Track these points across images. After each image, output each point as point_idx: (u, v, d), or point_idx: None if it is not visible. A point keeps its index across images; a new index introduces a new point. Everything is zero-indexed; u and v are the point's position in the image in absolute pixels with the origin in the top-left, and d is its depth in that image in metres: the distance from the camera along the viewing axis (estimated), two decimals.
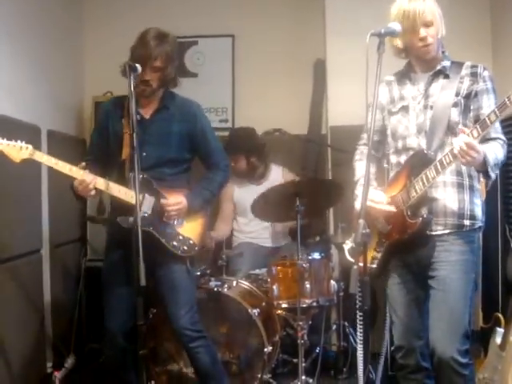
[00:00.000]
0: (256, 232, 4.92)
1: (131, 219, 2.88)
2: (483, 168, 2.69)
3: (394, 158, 3.05)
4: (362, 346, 2.62)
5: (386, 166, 3.26)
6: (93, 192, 3.21)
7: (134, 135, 2.96)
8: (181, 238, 3.43)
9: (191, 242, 3.46)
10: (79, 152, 5.22)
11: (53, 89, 4.82)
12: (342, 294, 4.40)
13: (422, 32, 2.82)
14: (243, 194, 4.83)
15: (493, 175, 2.74)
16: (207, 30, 5.63)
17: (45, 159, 3.14)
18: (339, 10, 5.03)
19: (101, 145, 3.50)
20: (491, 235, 4.03)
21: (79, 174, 3.17)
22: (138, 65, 3.12)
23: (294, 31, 5.56)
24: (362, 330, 2.63)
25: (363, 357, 2.65)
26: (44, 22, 4.69)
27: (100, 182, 3.21)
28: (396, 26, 2.71)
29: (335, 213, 4.95)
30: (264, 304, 4.20)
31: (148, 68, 3.28)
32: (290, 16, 5.59)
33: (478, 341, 3.84)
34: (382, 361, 3.98)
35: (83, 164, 3.21)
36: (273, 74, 5.58)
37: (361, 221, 2.47)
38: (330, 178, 5.10)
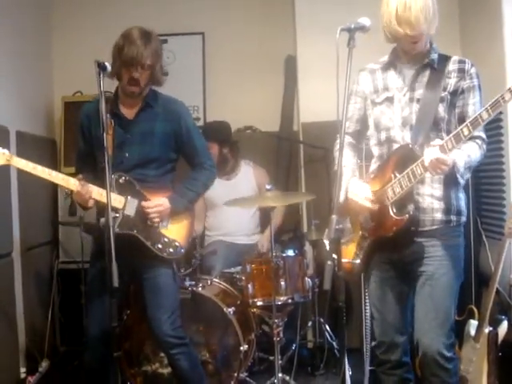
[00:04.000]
0: (228, 228, 4.89)
1: (102, 220, 2.84)
2: (453, 174, 2.72)
3: (376, 150, 3.01)
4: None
5: (358, 161, 3.25)
6: (91, 203, 3.20)
7: (104, 135, 2.91)
8: (166, 240, 3.36)
9: (177, 243, 3.39)
10: (49, 153, 5.19)
11: (21, 89, 4.75)
12: (316, 290, 4.40)
13: (421, 28, 2.72)
14: (212, 188, 4.81)
15: (461, 181, 2.78)
16: (177, 28, 5.59)
17: (22, 165, 3.08)
18: (309, 6, 5.03)
19: (87, 150, 3.42)
20: (464, 228, 4.06)
21: (59, 177, 3.13)
22: (107, 63, 3.06)
23: (264, 28, 5.54)
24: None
25: (340, 352, 2.65)
26: (12, 22, 4.62)
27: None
28: (366, 21, 2.67)
29: (308, 210, 4.95)
30: (239, 302, 4.19)
31: (139, 67, 3.23)
32: (260, 12, 5.58)
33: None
34: (367, 357, 3.97)
35: (80, 176, 3.17)
36: (244, 72, 5.57)
37: (333, 216, 2.46)
38: (303, 174, 5.10)
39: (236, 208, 4.72)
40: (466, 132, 2.56)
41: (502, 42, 3.98)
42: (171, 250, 3.37)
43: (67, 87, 5.37)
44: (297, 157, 5.34)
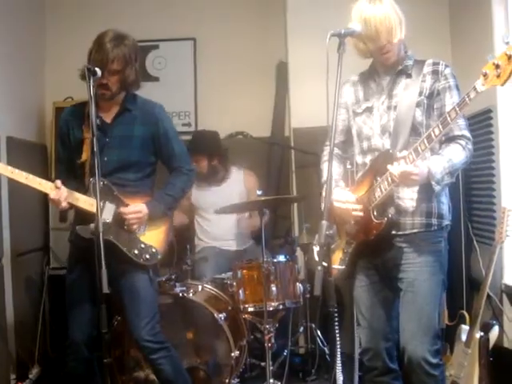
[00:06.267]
0: (218, 234, 4.88)
1: (92, 226, 2.82)
2: (428, 181, 2.71)
3: (359, 159, 3.04)
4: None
5: (349, 167, 3.27)
6: (64, 204, 3.17)
7: (95, 140, 2.91)
8: (142, 246, 3.35)
9: (153, 250, 3.37)
10: (40, 158, 5.17)
11: (13, 95, 4.73)
12: (308, 296, 4.39)
13: (382, 41, 2.78)
14: (202, 195, 4.81)
15: (437, 188, 2.72)
16: (168, 34, 5.60)
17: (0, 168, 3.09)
18: (300, 12, 5.04)
19: (67, 156, 3.42)
20: (455, 233, 4.06)
21: (36, 181, 3.12)
22: (97, 68, 3.07)
23: (255, 33, 5.56)
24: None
25: (331, 358, 2.63)
26: (4, 27, 4.61)
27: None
28: (356, 27, 2.73)
29: (299, 214, 4.94)
30: (230, 308, 4.18)
31: (105, 71, 3.21)
32: (251, 18, 5.59)
33: (444, 338, 3.87)
34: (356, 362, 3.96)
35: (57, 181, 3.14)
36: (235, 77, 5.58)
37: (323, 222, 2.47)
38: (294, 179, 5.10)
39: (227, 214, 4.71)
40: (436, 132, 2.57)
41: (492, 46, 3.98)
42: (147, 256, 3.35)
43: (59, 93, 5.35)
44: (288, 162, 5.33)
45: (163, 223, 3.46)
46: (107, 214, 3.27)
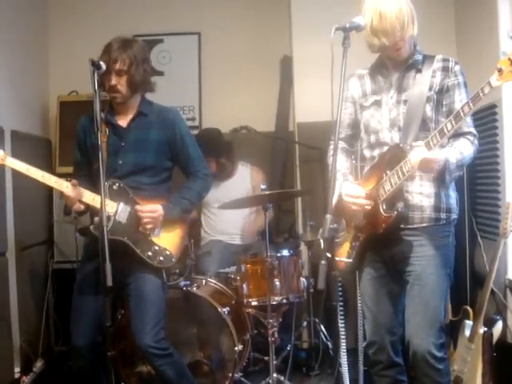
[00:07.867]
0: (224, 228, 4.89)
1: (96, 219, 2.82)
2: (443, 172, 2.72)
3: (367, 152, 3.04)
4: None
5: (353, 162, 3.26)
6: (81, 207, 3.20)
7: (99, 134, 2.90)
8: (156, 248, 3.32)
9: (167, 252, 3.35)
10: (44, 152, 5.18)
11: (17, 88, 4.74)
12: (311, 290, 4.38)
13: (396, 36, 2.76)
14: (210, 191, 4.80)
15: (448, 178, 2.75)
16: (173, 28, 5.60)
17: (16, 165, 3.09)
18: (305, 6, 5.02)
19: (84, 161, 3.42)
20: (459, 228, 4.04)
21: (52, 180, 3.14)
22: (102, 62, 3.07)
23: (260, 28, 5.55)
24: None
25: (334, 351, 2.63)
26: (8, 21, 4.61)
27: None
28: (360, 21, 2.71)
29: (303, 209, 4.94)
30: (234, 302, 4.18)
31: (112, 72, 3.23)
32: (256, 12, 5.58)
33: (448, 333, 3.86)
34: (361, 357, 3.96)
35: (74, 180, 3.15)
36: (240, 72, 5.57)
37: (328, 216, 2.47)
38: (298, 174, 5.10)
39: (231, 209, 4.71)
40: (449, 126, 2.57)
41: (498, 43, 3.97)
42: (161, 258, 3.33)
43: (63, 87, 5.36)
44: (292, 157, 5.33)
45: (179, 227, 3.45)
46: (122, 215, 3.27)
